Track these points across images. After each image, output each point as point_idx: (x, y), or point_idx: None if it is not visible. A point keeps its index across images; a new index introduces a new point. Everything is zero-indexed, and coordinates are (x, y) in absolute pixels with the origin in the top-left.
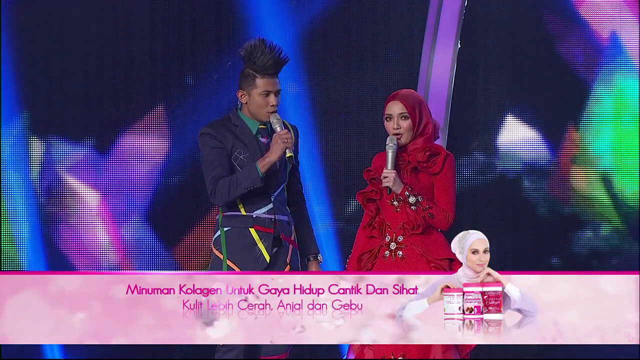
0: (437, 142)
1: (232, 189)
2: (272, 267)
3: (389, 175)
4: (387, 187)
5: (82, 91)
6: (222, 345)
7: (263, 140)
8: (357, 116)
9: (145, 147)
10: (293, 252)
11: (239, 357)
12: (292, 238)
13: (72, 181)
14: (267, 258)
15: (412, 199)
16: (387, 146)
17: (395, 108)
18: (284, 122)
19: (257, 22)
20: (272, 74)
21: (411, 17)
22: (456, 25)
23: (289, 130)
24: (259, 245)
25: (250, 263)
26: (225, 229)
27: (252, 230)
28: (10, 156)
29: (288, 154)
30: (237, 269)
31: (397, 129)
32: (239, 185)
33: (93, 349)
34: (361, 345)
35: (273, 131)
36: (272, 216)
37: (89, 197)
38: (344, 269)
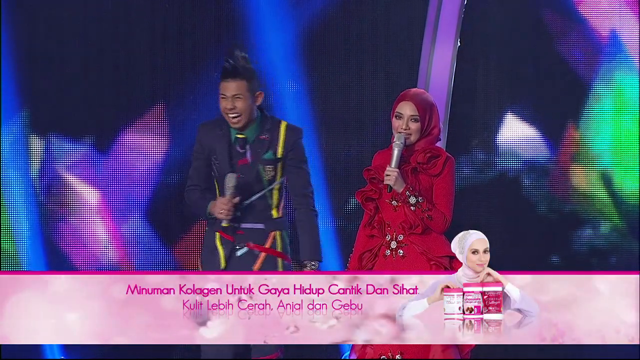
0: (437, 143)
1: (190, 204)
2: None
3: (391, 174)
4: (387, 184)
5: (82, 90)
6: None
7: (239, 149)
8: (356, 115)
9: (145, 146)
10: (266, 260)
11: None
12: (268, 246)
13: (71, 180)
14: (223, 264)
15: (412, 200)
16: (394, 144)
17: (407, 109)
18: (276, 122)
19: (257, 22)
20: (226, 77)
21: (411, 15)
22: (456, 24)
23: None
24: (218, 249)
25: (210, 265)
26: (206, 228)
27: (217, 234)
28: (10, 155)
29: (224, 224)
30: (201, 269)
31: (406, 129)
32: (193, 205)
33: (93, 349)
34: (362, 345)
35: (248, 142)
36: (237, 224)
37: (89, 196)
38: (345, 268)
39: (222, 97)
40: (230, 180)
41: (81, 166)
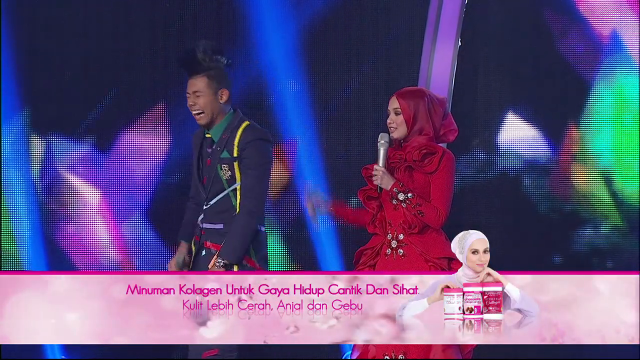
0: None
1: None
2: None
3: (376, 172)
4: (377, 184)
5: (83, 89)
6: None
7: (207, 149)
8: (357, 114)
9: (146, 146)
10: None
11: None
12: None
13: (72, 180)
14: (190, 263)
15: (401, 196)
16: (379, 143)
17: (391, 103)
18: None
19: (257, 20)
20: (188, 73)
21: (412, 14)
22: (457, 23)
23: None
24: (192, 249)
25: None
26: None
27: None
28: (11, 154)
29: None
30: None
31: (390, 123)
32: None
33: (93, 349)
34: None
35: (214, 142)
36: (201, 225)
37: (90, 196)
38: (347, 268)
39: (187, 95)
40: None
41: (82, 165)
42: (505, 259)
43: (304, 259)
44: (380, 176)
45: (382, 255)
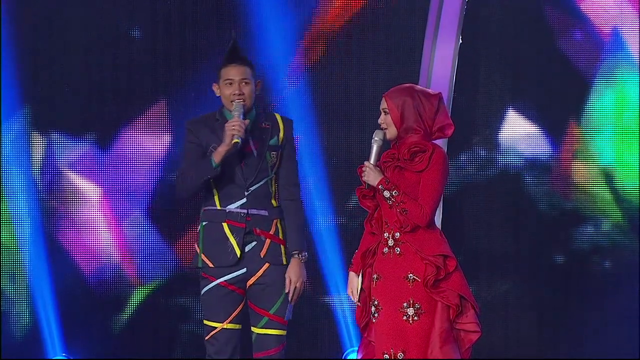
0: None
1: (190, 180)
2: (247, 263)
3: (365, 168)
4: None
5: (83, 87)
6: (210, 345)
7: (241, 137)
8: (358, 112)
9: (147, 144)
10: (271, 247)
11: (234, 356)
12: (272, 232)
13: (73, 177)
14: (238, 253)
15: (386, 194)
16: (372, 140)
17: (381, 103)
18: (270, 114)
19: (258, 17)
20: (232, 62)
21: (413, 12)
22: (457, 21)
23: (263, 119)
24: (230, 239)
25: (222, 258)
26: (204, 223)
27: (224, 225)
28: (11, 152)
29: (233, 140)
30: (210, 264)
31: (382, 123)
32: (194, 176)
33: (93, 349)
34: (368, 342)
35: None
36: (245, 211)
37: (90, 194)
38: (348, 265)
39: (228, 83)
40: (238, 107)
41: (82, 163)
42: (505, 256)
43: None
44: (367, 172)
45: (379, 254)
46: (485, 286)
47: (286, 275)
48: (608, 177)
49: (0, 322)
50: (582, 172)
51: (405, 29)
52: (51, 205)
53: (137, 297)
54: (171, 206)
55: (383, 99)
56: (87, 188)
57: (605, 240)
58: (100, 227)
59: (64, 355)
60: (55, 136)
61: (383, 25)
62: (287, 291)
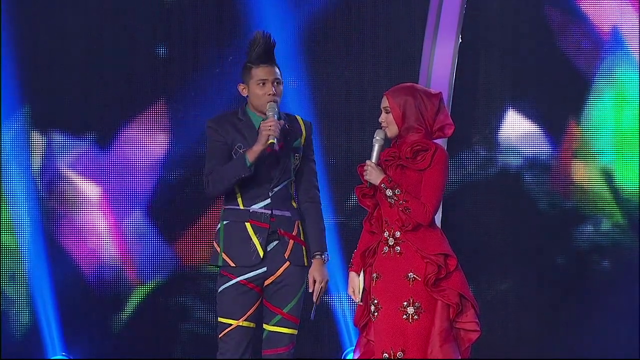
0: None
1: (222, 179)
2: (268, 262)
3: (367, 168)
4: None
5: (84, 84)
6: (223, 342)
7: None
8: (358, 110)
9: (146, 141)
10: (294, 248)
11: (245, 355)
12: (295, 234)
13: (73, 175)
14: (261, 253)
15: (388, 192)
16: (374, 139)
17: (382, 101)
18: (292, 116)
19: (258, 16)
20: (266, 62)
21: (412, 11)
22: (457, 20)
23: (287, 121)
24: (253, 239)
25: (244, 257)
26: (225, 222)
27: (247, 225)
28: (12, 149)
29: (269, 141)
30: (231, 263)
31: (382, 122)
32: (227, 174)
33: (93, 348)
34: (367, 341)
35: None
36: (269, 211)
37: (90, 191)
38: (348, 265)
39: (261, 83)
40: (272, 107)
41: (82, 160)
42: (505, 255)
43: None
44: (369, 171)
45: (380, 253)
46: (485, 285)
47: (309, 276)
48: (608, 176)
49: (0, 322)
50: (582, 171)
51: (405, 28)
52: (51, 204)
53: (136, 296)
54: (171, 206)
55: (384, 97)
56: (87, 187)
57: (605, 240)
58: (100, 226)
59: (64, 355)
60: (55, 133)
61: (383, 25)
62: (311, 291)
